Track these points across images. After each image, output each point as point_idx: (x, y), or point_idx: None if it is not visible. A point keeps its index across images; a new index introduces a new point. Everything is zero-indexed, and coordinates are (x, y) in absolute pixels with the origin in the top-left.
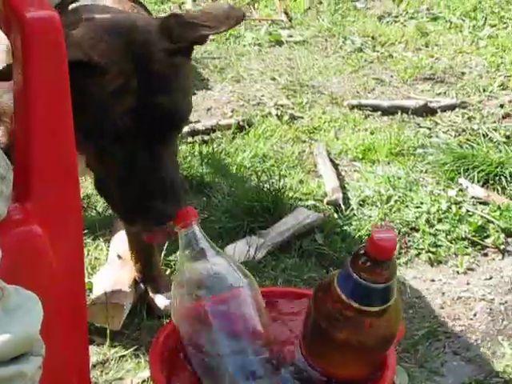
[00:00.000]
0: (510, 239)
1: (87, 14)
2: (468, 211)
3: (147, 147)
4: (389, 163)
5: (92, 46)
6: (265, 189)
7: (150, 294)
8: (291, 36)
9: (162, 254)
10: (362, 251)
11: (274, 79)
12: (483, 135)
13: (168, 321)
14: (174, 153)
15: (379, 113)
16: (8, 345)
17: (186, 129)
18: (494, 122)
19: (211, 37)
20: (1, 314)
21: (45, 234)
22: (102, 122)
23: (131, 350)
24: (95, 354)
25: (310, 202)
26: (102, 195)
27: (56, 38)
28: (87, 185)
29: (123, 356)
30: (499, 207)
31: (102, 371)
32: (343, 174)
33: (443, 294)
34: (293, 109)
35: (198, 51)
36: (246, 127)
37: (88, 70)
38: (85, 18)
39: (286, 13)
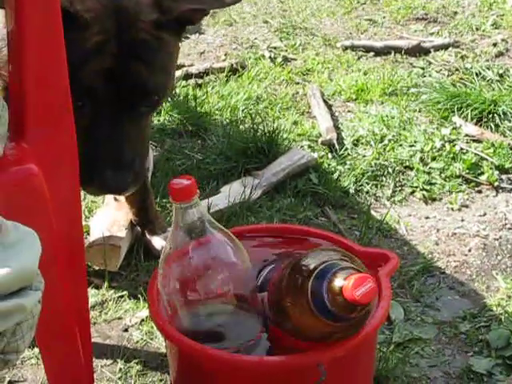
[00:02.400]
0: (503, 176)
1: None
2: (462, 149)
3: (112, 115)
4: (382, 103)
5: (80, 0)
6: (259, 130)
7: (147, 236)
8: None
9: (158, 197)
10: (340, 285)
11: (266, 22)
12: (476, 74)
13: None
14: (140, 129)
15: (372, 53)
16: (7, 279)
17: (179, 72)
18: (487, 61)
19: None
20: (12, 241)
21: (41, 172)
22: (74, 78)
23: (129, 290)
24: (94, 295)
25: (305, 143)
26: None
27: None
28: None
29: (121, 296)
30: (493, 144)
31: (100, 311)
32: (337, 114)
33: (438, 230)
34: (286, 51)
35: None
36: (240, 70)
37: (70, 22)
38: None
39: None
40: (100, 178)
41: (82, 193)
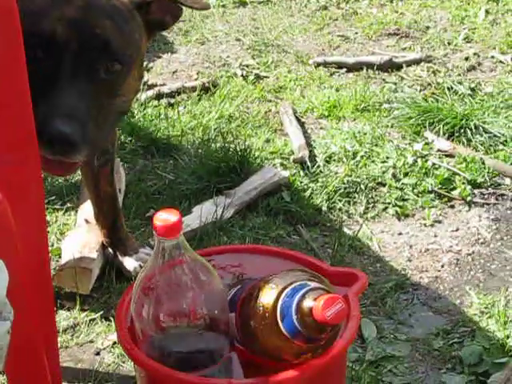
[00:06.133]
0: (476, 191)
1: None
2: (434, 164)
3: (71, 69)
4: (354, 119)
5: None
6: (231, 149)
7: (119, 257)
8: None
9: (130, 219)
10: (310, 305)
11: (238, 40)
12: (448, 88)
13: None
14: (100, 97)
15: (344, 70)
16: None
17: (151, 92)
18: (459, 75)
19: None
20: None
21: (6, 200)
22: (35, 28)
23: (101, 313)
24: (65, 318)
25: (277, 161)
26: None
27: (7, 4)
28: None
29: (93, 319)
30: (465, 159)
31: (72, 335)
32: (309, 131)
33: (411, 246)
34: (258, 69)
35: None
36: (212, 88)
37: None
38: None
39: None
40: (49, 127)
41: (53, 216)
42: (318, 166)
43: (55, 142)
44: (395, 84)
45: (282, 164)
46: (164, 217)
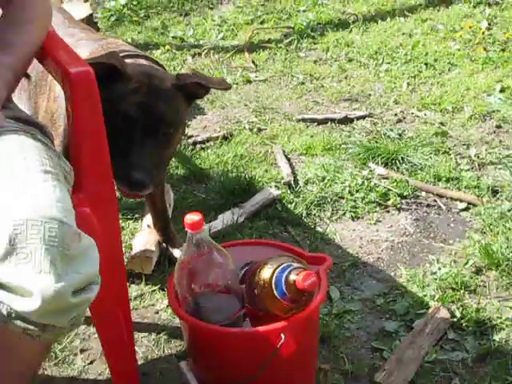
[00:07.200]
0: (403, 201)
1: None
2: (375, 184)
3: (140, 137)
4: (323, 155)
5: (126, 64)
6: (242, 177)
7: (170, 249)
8: (257, 76)
9: (177, 224)
10: (294, 278)
11: (246, 105)
12: (383, 134)
13: None
14: (158, 151)
15: (316, 123)
16: (84, 278)
17: (190, 141)
18: (391, 125)
19: None
20: (79, 252)
21: (92, 213)
22: (116, 110)
23: (158, 286)
24: (135, 290)
25: (273, 184)
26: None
27: (93, 88)
28: None
29: (154, 290)
30: (395, 180)
31: (140, 301)
32: (294, 164)
33: (361, 238)
34: (259, 124)
35: None
36: (229, 137)
37: (118, 75)
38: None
39: (253, 61)
40: (128, 178)
41: (127, 223)
42: (300, 187)
43: (133, 186)
44: (349, 132)
45: (276, 186)
46: (191, 217)
